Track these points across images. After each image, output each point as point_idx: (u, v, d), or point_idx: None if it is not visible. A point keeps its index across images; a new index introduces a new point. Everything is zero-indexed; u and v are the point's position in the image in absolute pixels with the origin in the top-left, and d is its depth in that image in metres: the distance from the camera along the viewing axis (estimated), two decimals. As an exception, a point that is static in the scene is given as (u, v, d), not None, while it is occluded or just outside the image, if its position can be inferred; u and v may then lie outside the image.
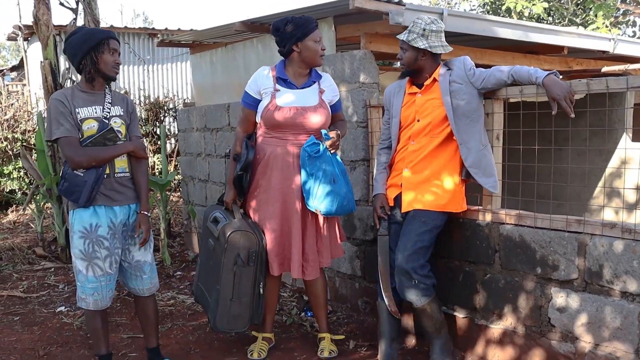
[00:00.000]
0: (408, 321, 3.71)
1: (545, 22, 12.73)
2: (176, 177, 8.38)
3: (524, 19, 10.57)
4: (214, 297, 3.31)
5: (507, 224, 3.16)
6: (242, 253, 3.24)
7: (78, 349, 3.75)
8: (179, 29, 12.88)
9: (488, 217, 3.25)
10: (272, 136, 3.33)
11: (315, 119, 3.30)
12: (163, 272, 5.50)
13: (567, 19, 12.52)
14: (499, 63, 5.58)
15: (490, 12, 13.18)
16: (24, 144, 8.80)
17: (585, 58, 6.52)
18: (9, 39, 14.10)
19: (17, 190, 8.82)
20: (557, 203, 3.71)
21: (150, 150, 9.68)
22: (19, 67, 15.81)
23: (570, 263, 2.85)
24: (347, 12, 3.97)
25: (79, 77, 6.11)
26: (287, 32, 3.23)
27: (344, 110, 4.04)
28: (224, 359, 3.56)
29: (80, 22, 6.28)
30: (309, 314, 4.20)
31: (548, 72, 2.90)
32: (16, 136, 9.09)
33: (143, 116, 10.23)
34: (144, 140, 3.23)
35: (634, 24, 13.51)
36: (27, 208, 7.16)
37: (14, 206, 9.02)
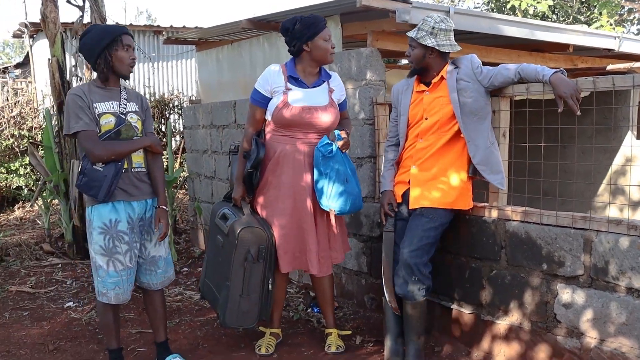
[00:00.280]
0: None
1: (550, 20, 12.72)
2: (182, 174, 8.42)
3: (529, 16, 10.56)
4: (223, 294, 3.34)
5: (514, 220, 3.18)
6: (252, 249, 3.27)
7: (87, 344, 3.79)
8: (184, 27, 12.91)
9: (494, 214, 3.28)
10: (282, 134, 3.36)
11: (326, 118, 3.34)
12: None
13: (571, 16, 12.51)
14: (504, 61, 5.60)
15: (495, 10, 13.17)
16: (31, 140, 8.85)
17: (591, 56, 6.54)
18: (15, 36, 14.15)
19: (23, 186, 8.86)
20: (561, 200, 3.73)
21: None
22: (23, 64, 15.85)
23: (576, 259, 2.87)
24: (354, 10, 3.99)
25: (86, 74, 6.16)
26: (297, 31, 3.25)
27: (350, 107, 4.07)
28: (232, 354, 3.59)
29: (87, 19, 6.31)
30: (315, 310, 4.23)
31: (555, 70, 2.92)
32: (23, 133, 9.13)
33: (148, 113, 10.25)
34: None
35: (639, 21, 13.50)
36: (35, 204, 7.21)
37: (21, 203, 9.08)
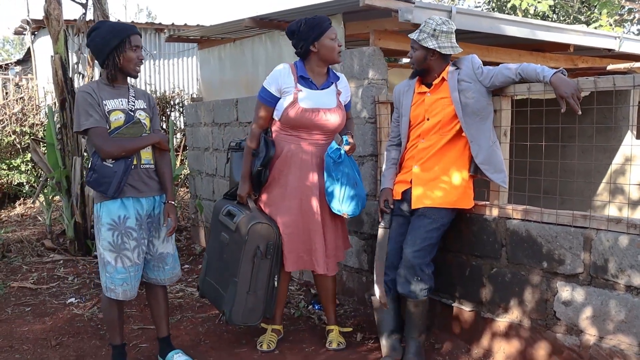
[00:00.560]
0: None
1: (550, 19, 12.75)
2: (183, 171, 8.45)
3: (529, 16, 10.59)
4: (230, 290, 3.35)
5: (514, 219, 3.21)
6: (261, 245, 3.29)
7: (89, 340, 3.81)
8: (185, 25, 12.93)
9: (495, 212, 3.30)
10: (289, 134, 3.39)
11: (334, 120, 3.38)
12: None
13: (572, 16, 12.54)
14: (505, 60, 5.63)
15: (495, 10, 13.20)
16: (32, 137, 8.87)
17: (591, 56, 6.56)
18: (16, 33, 14.17)
19: (24, 183, 8.89)
20: (561, 199, 3.75)
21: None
22: (24, 61, 15.86)
23: (575, 257, 2.90)
24: (357, 9, 4.01)
25: (88, 71, 6.17)
26: (303, 33, 3.28)
27: (352, 106, 4.10)
28: (234, 350, 3.62)
29: (89, 16, 6.33)
30: (316, 307, 4.26)
31: (555, 70, 2.94)
32: (24, 130, 9.15)
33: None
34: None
35: (639, 21, 13.52)
36: (36, 201, 7.23)
37: (22, 199, 9.10)
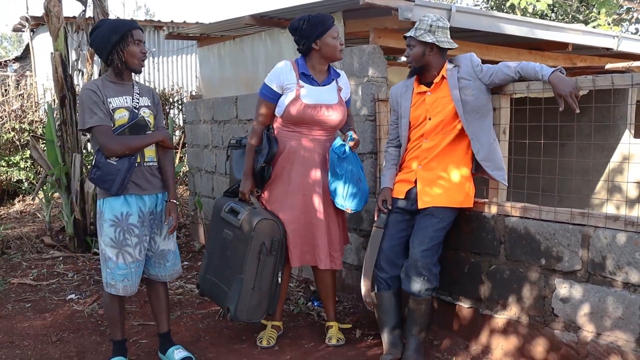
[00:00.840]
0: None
1: (549, 18, 12.77)
2: (182, 168, 8.46)
3: (528, 15, 10.61)
4: (235, 287, 3.36)
5: (513, 216, 3.23)
6: (266, 242, 3.31)
7: (90, 335, 3.83)
8: (184, 22, 12.94)
9: (494, 210, 3.33)
10: (290, 130, 3.40)
11: (335, 117, 3.40)
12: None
13: (570, 15, 12.56)
14: (504, 59, 5.64)
15: (494, 8, 13.22)
16: (32, 134, 8.88)
17: (590, 55, 6.58)
18: (15, 30, 14.17)
19: (24, 180, 8.89)
20: (559, 197, 3.78)
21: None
22: (22, 58, 15.84)
23: (573, 254, 2.93)
24: (357, 7, 4.02)
25: (87, 68, 6.18)
26: (305, 30, 3.29)
27: (352, 104, 4.12)
28: (234, 346, 3.64)
29: (89, 13, 6.34)
30: (315, 304, 4.28)
31: (554, 68, 2.97)
32: (24, 127, 9.16)
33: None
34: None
35: (637, 21, 13.54)
36: (36, 198, 7.24)
37: (21, 196, 9.10)
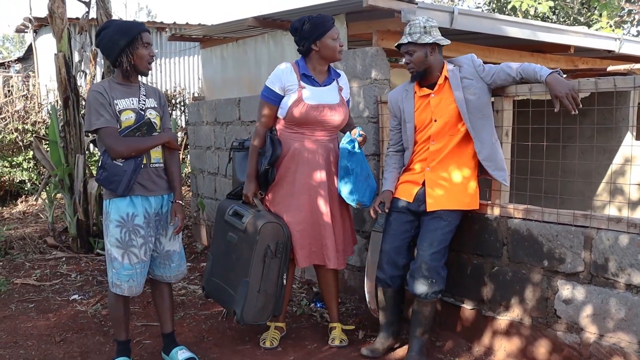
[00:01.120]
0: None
1: (550, 20, 12.78)
2: (185, 170, 8.47)
3: (530, 17, 10.62)
4: (240, 290, 3.36)
5: (515, 218, 3.24)
6: (271, 244, 3.32)
7: (93, 336, 3.84)
8: (187, 23, 12.97)
9: (497, 211, 3.34)
10: (293, 131, 3.42)
11: (338, 116, 3.42)
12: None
13: (572, 17, 12.57)
14: (506, 61, 5.64)
15: (496, 10, 13.23)
16: (34, 135, 8.91)
17: (591, 57, 6.59)
18: (17, 30, 14.20)
19: (26, 180, 8.91)
20: (561, 199, 3.79)
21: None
22: (24, 59, 15.87)
23: (576, 256, 2.94)
24: (360, 10, 4.04)
25: (90, 69, 6.19)
26: (305, 31, 3.31)
27: (355, 105, 4.15)
28: (237, 347, 3.65)
29: (92, 15, 6.37)
30: (318, 305, 4.29)
31: (552, 70, 2.98)
32: (26, 127, 9.18)
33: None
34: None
35: (639, 23, 13.55)
36: (39, 198, 7.25)
37: (24, 196, 9.13)
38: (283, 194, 3.47)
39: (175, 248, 3.29)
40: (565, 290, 2.99)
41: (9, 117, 9.17)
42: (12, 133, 9.05)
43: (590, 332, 2.90)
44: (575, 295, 2.95)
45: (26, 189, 8.83)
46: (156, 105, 3.19)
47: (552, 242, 3.03)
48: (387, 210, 3.39)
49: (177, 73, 13.46)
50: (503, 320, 3.32)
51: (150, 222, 3.14)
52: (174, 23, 13.03)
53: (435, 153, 3.27)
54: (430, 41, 3.16)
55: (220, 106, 5.89)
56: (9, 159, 8.94)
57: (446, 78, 3.24)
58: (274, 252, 3.33)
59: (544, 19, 11.84)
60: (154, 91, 3.26)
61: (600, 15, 10.46)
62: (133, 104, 3.08)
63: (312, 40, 3.31)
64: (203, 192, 6.42)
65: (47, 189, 6.69)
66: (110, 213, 3.07)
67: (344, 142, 3.37)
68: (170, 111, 10.54)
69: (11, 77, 11.35)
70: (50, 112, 6.45)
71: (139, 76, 3.17)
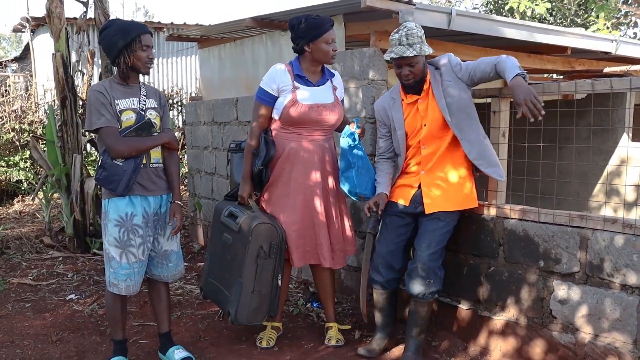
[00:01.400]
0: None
1: (547, 22, 12.81)
2: (182, 169, 8.47)
3: (527, 18, 10.65)
4: (234, 291, 3.37)
5: (512, 218, 3.25)
6: (264, 245, 3.32)
7: (90, 335, 3.84)
8: (184, 24, 12.98)
9: (493, 212, 3.35)
10: (289, 132, 3.42)
11: (333, 116, 3.42)
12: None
13: (569, 19, 12.61)
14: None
15: (493, 12, 13.26)
16: (32, 134, 8.91)
17: (588, 58, 6.62)
18: (14, 30, 14.18)
19: (23, 180, 8.90)
20: (557, 200, 3.80)
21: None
22: (21, 59, 15.86)
23: (572, 256, 2.95)
24: (358, 10, 4.05)
25: (88, 69, 6.20)
26: (301, 31, 3.31)
27: (352, 106, 4.15)
28: (233, 346, 3.65)
29: (90, 14, 6.36)
30: (315, 305, 4.30)
31: (518, 72, 2.87)
32: (23, 127, 9.17)
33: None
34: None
35: (635, 24, 13.61)
36: (35, 198, 7.25)
37: (20, 196, 9.11)
38: (278, 194, 3.48)
39: (173, 248, 3.29)
40: (561, 290, 3.00)
41: (5, 117, 9.16)
42: (9, 132, 9.04)
43: (586, 332, 2.91)
44: (571, 295, 2.96)
45: (23, 188, 8.81)
46: (156, 106, 3.20)
47: (548, 242, 3.05)
48: (380, 211, 3.37)
49: (174, 73, 13.46)
50: (499, 320, 3.33)
51: (149, 221, 3.14)
52: (172, 23, 13.03)
53: (428, 157, 3.27)
54: (429, 52, 3.13)
55: (217, 106, 5.90)
56: (6, 158, 8.93)
57: (430, 83, 3.24)
58: (267, 253, 3.33)
59: (541, 20, 11.87)
60: (155, 92, 3.27)
61: (597, 16, 10.49)
62: (134, 104, 3.09)
63: (306, 40, 3.32)
64: (200, 192, 6.42)
65: (44, 188, 6.69)
66: (109, 212, 3.08)
67: (344, 136, 3.38)
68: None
69: (8, 77, 11.34)
70: (48, 111, 6.43)
71: (140, 76, 3.17)
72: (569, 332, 2.99)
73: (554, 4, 11.61)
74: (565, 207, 3.14)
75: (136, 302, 4.42)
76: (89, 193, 6.03)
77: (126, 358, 3.31)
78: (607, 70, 6.74)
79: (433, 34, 4.62)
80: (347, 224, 3.61)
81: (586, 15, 12.57)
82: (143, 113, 3.10)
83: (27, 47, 14.43)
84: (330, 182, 3.50)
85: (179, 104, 10.99)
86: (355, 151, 3.37)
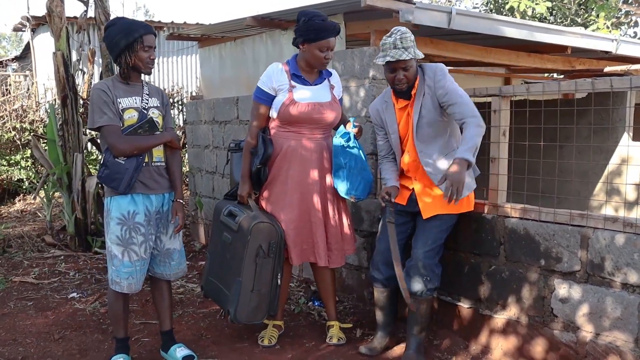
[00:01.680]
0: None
1: (548, 21, 12.81)
2: (183, 168, 8.47)
3: (527, 18, 10.65)
4: (234, 290, 3.37)
5: (512, 217, 3.26)
6: (263, 245, 3.33)
7: (92, 333, 3.85)
8: (184, 23, 12.99)
9: (494, 211, 3.36)
10: (288, 130, 3.43)
11: (331, 115, 3.43)
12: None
13: (569, 18, 12.60)
14: (503, 61, 5.69)
15: (493, 11, 13.26)
16: (33, 133, 8.92)
17: (588, 58, 6.62)
18: (15, 29, 14.20)
19: (24, 179, 8.91)
20: (558, 199, 3.81)
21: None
22: (21, 58, 15.86)
23: (573, 255, 2.96)
24: (358, 9, 4.06)
25: (89, 68, 6.21)
26: (300, 29, 3.32)
27: (353, 105, 4.16)
28: (235, 344, 3.67)
29: (90, 13, 6.37)
30: (316, 303, 4.31)
31: (465, 158, 2.83)
32: (24, 126, 9.18)
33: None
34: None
35: (636, 24, 13.60)
36: (37, 197, 7.26)
37: (22, 195, 9.12)
38: (277, 192, 3.49)
39: (175, 246, 3.30)
40: (562, 289, 3.01)
41: (6, 116, 9.17)
42: (10, 131, 9.04)
43: (587, 331, 2.92)
44: (572, 294, 2.97)
45: (24, 187, 8.83)
46: (159, 105, 3.21)
47: (549, 241, 3.06)
48: (392, 200, 3.33)
49: (175, 72, 13.47)
50: (500, 318, 3.34)
51: (151, 220, 3.15)
52: (172, 22, 13.05)
53: (412, 164, 3.27)
54: (422, 55, 3.13)
55: (218, 105, 5.91)
56: (7, 157, 8.94)
57: (417, 89, 3.20)
58: (266, 252, 3.34)
59: (541, 19, 11.87)
60: (157, 90, 3.28)
61: (598, 16, 10.49)
62: (136, 102, 3.10)
63: (302, 39, 3.32)
64: (201, 191, 6.43)
65: (45, 187, 6.70)
66: (111, 210, 3.09)
67: (337, 136, 3.38)
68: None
69: (9, 76, 11.34)
70: (49, 110, 6.44)
71: (142, 75, 3.18)
72: (570, 330, 3.00)
73: (554, 3, 11.61)
74: (566, 206, 3.15)
75: (138, 300, 4.43)
76: (90, 192, 6.04)
77: (128, 356, 3.32)
78: (607, 69, 6.74)
79: (433, 33, 4.63)
80: (345, 222, 3.60)
81: (586, 15, 12.57)
82: (145, 112, 3.11)
83: (27, 46, 14.44)
84: (329, 180, 3.51)
85: (180, 103, 10.99)
86: (347, 152, 3.37)
